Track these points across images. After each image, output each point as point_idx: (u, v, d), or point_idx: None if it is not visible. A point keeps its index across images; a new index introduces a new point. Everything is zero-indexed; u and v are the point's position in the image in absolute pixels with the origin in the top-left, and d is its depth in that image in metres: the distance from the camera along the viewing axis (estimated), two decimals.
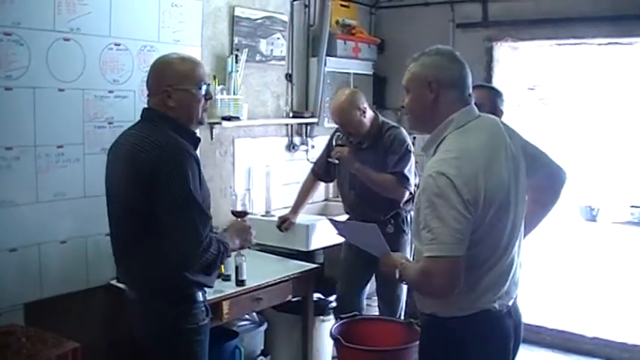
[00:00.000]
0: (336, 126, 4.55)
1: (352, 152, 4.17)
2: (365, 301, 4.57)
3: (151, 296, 2.70)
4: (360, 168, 4.09)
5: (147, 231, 2.58)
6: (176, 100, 2.66)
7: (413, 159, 4.21)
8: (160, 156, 2.51)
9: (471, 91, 2.50)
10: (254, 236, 3.02)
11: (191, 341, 2.72)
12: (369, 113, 4.22)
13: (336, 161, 4.22)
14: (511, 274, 2.50)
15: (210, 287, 2.90)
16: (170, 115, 2.67)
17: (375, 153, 4.16)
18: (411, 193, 4.15)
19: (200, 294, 2.76)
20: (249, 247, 3.16)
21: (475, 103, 2.53)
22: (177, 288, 2.67)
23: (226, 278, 3.80)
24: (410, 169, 4.17)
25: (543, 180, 2.68)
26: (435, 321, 2.51)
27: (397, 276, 2.54)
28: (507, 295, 2.49)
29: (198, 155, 2.72)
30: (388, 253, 2.69)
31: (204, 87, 2.75)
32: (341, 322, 3.93)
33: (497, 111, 3.60)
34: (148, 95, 2.77)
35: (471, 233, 2.27)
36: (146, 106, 2.77)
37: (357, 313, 4.16)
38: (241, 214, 3.33)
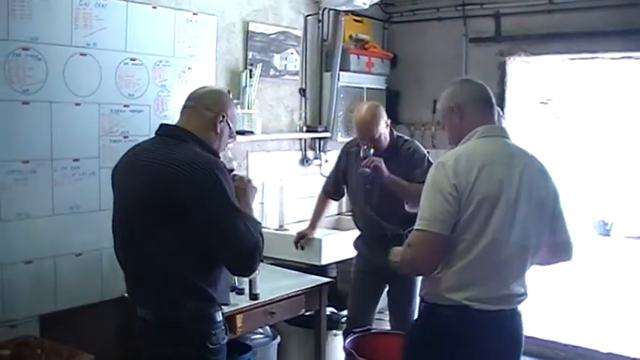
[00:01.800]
0: (346, 140, 4.59)
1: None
2: (374, 317, 4.49)
3: (174, 318, 2.63)
4: (392, 178, 4.00)
5: (174, 252, 2.55)
6: (222, 130, 2.72)
7: None
8: (201, 177, 2.47)
9: (493, 109, 2.79)
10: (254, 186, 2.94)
11: None
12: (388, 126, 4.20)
13: (368, 170, 4.02)
14: (501, 282, 2.60)
15: (228, 304, 2.89)
16: (199, 134, 2.66)
17: (394, 165, 4.09)
18: None
19: (219, 314, 2.73)
20: None
21: None
22: (201, 309, 2.64)
23: (240, 292, 3.82)
24: None
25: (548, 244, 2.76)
26: (422, 304, 2.76)
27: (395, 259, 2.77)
28: (495, 300, 2.58)
29: None
30: None
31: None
32: (354, 336, 3.92)
33: None
34: (191, 105, 2.74)
35: (455, 220, 2.52)
36: (166, 122, 2.76)
37: (370, 327, 4.14)
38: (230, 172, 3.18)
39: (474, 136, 2.69)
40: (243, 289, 3.82)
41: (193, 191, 2.46)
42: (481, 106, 2.76)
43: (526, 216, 2.58)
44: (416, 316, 2.85)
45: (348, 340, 3.83)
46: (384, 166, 3.97)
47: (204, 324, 2.65)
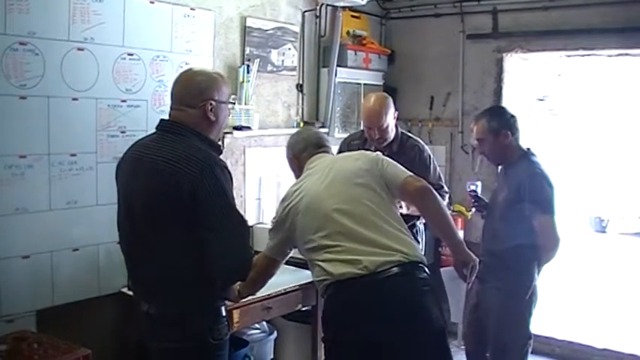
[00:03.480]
0: (343, 136, 4.60)
1: None
2: None
3: (177, 314, 2.63)
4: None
5: (178, 248, 2.57)
6: (216, 113, 2.68)
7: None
8: (200, 172, 2.48)
9: (317, 146, 3.29)
10: None
11: (216, 356, 2.70)
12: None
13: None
14: (362, 249, 2.79)
15: (230, 300, 2.92)
16: (201, 128, 2.65)
17: (400, 160, 4.14)
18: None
19: (223, 309, 2.75)
20: None
21: None
22: (206, 304, 2.66)
23: None
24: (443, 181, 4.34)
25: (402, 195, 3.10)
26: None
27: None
28: (360, 266, 2.75)
29: None
30: None
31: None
32: None
33: (499, 134, 3.80)
34: (175, 107, 2.71)
35: (291, 243, 3.08)
36: (165, 117, 2.74)
37: None
38: None
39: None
40: None
41: (192, 187, 2.47)
42: (311, 150, 3.26)
43: (343, 197, 2.92)
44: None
45: None
46: None
47: (208, 319, 2.66)
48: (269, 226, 4.74)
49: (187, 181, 2.47)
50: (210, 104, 2.66)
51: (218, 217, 2.51)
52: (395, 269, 2.73)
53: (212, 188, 2.49)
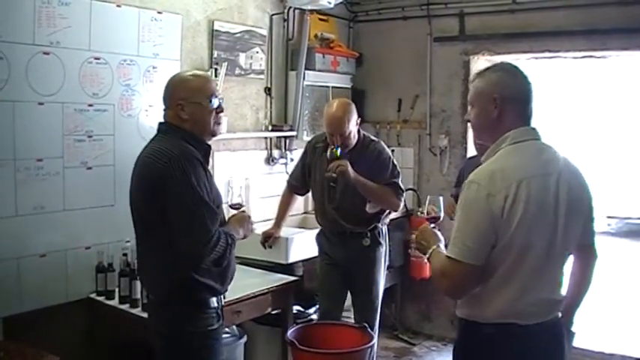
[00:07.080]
0: (309, 138, 4.62)
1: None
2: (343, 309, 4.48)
3: (163, 300, 2.83)
4: (359, 180, 4.02)
5: (158, 235, 2.73)
6: (189, 112, 2.82)
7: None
8: (167, 162, 2.64)
9: (530, 109, 2.52)
10: (252, 223, 3.14)
11: (201, 346, 2.83)
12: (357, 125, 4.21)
13: (334, 175, 4.02)
14: (544, 294, 2.46)
15: (223, 292, 2.99)
16: (183, 126, 2.81)
17: (359, 164, 4.10)
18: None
19: (214, 300, 2.88)
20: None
21: None
22: (187, 292, 2.78)
23: None
24: (401, 181, 4.26)
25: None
26: (462, 322, 2.56)
27: (427, 256, 2.57)
28: (540, 313, 2.45)
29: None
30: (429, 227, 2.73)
31: (215, 100, 2.87)
32: (297, 326, 4.00)
33: None
34: (163, 109, 2.90)
35: (494, 242, 2.32)
36: (161, 120, 2.91)
37: (312, 318, 4.18)
38: (238, 207, 3.35)
39: (504, 142, 2.45)
40: None
41: (160, 176, 2.65)
42: (521, 106, 2.49)
43: (565, 223, 2.41)
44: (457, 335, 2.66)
45: (290, 331, 3.87)
46: (350, 169, 3.98)
47: (193, 308, 2.81)
48: None
49: (156, 171, 2.66)
50: (179, 104, 2.81)
51: (182, 207, 2.65)
52: (555, 321, 2.58)
53: (178, 179, 2.64)
